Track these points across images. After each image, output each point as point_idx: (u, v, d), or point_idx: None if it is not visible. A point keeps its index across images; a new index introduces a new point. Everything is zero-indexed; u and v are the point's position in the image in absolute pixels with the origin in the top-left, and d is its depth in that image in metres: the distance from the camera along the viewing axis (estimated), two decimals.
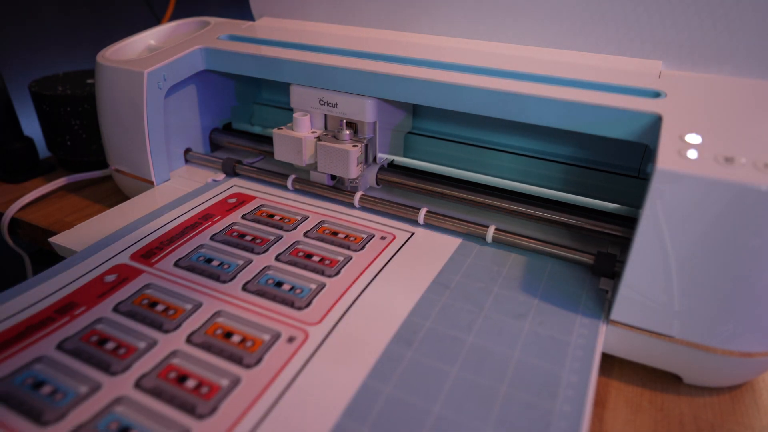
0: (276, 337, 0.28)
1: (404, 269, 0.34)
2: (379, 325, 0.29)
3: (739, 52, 0.35)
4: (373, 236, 0.37)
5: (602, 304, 0.31)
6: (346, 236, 0.37)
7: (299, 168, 0.47)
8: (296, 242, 0.36)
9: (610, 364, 0.32)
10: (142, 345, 0.27)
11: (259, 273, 0.33)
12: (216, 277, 0.33)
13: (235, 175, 0.46)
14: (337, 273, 0.33)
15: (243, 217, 0.40)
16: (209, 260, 0.34)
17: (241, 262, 0.34)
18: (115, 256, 0.35)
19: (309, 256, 0.35)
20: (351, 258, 0.35)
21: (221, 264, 0.34)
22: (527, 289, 0.33)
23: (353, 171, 0.40)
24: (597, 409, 0.29)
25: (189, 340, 0.28)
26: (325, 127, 0.42)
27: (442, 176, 0.44)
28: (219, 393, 0.25)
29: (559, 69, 0.37)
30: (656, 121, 0.30)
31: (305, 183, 0.43)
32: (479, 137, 0.45)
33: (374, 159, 0.43)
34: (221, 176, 0.46)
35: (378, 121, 0.41)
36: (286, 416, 0.24)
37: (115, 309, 0.30)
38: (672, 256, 0.27)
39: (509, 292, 0.32)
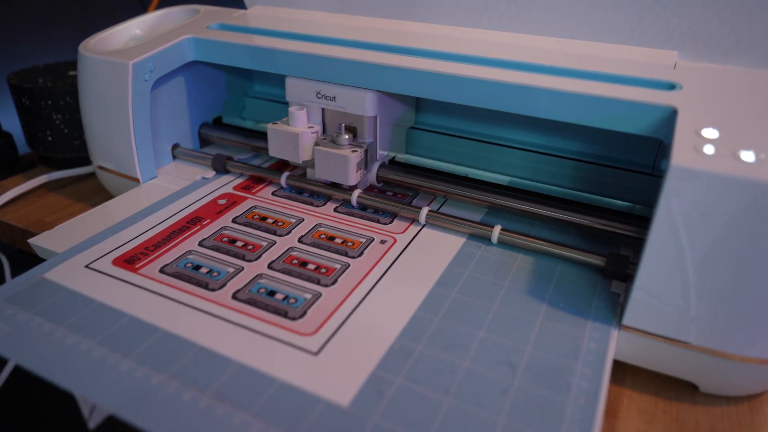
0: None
1: (403, 273, 0.34)
2: (370, 345, 0.29)
3: (759, 42, 0.35)
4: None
5: (614, 309, 0.31)
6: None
7: (293, 164, 0.47)
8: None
9: (623, 371, 0.32)
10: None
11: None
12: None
13: (226, 172, 0.46)
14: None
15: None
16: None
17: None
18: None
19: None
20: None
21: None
22: (535, 293, 0.33)
23: (352, 177, 0.40)
24: (608, 419, 0.29)
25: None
26: (323, 122, 0.42)
27: (445, 173, 0.44)
28: (335, 272, 0.33)
29: (569, 60, 0.37)
30: (671, 115, 0.30)
31: (300, 180, 0.43)
32: (485, 132, 0.45)
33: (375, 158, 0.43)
34: (211, 173, 0.46)
35: (379, 116, 0.41)
36: None
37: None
38: (688, 257, 0.27)
39: (515, 297, 0.32)
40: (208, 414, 0.25)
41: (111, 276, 0.33)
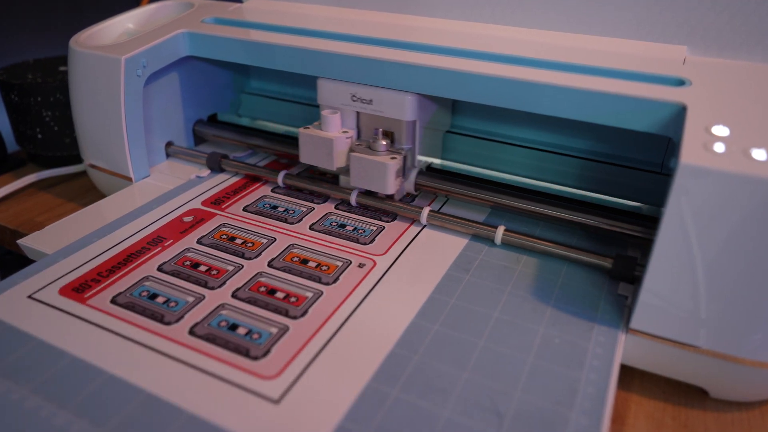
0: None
1: (402, 275, 0.34)
2: (339, 390, 0.26)
3: None
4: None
5: (621, 312, 0.31)
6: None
7: (290, 163, 0.47)
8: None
9: (630, 376, 0.32)
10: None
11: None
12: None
13: (221, 171, 0.46)
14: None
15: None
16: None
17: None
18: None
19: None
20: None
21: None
22: (539, 296, 0.33)
23: (391, 186, 0.39)
24: (615, 425, 0.29)
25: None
26: (357, 126, 0.41)
27: (446, 172, 0.44)
28: (306, 301, 0.31)
29: (574, 55, 0.37)
30: (680, 112, 0.30)
31: (298, 179, 0.43)
32: (487, 129, 0.45)
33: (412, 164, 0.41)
34: (206, 172, 0.46)
35: (418, 120, 0.39)
36: None
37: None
38: (698, 258, 0.27)
39: (520, 300, 0.32)
40: None
41: (56, 308, 0.31)
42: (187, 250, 0.36)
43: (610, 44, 0.39)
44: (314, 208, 0.41)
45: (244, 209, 0.41)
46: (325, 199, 0.43)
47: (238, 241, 0.37)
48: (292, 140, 0.48)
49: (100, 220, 0.39)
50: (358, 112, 0.41)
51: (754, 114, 0.29)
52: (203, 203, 0.39)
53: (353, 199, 0.41)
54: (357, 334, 0.30)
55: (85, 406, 0.25)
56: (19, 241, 0.38)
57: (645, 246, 0.35)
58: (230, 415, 0.25)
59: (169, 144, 0.49)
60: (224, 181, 0.45)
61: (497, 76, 0.34)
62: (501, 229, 0.37)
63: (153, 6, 0.51)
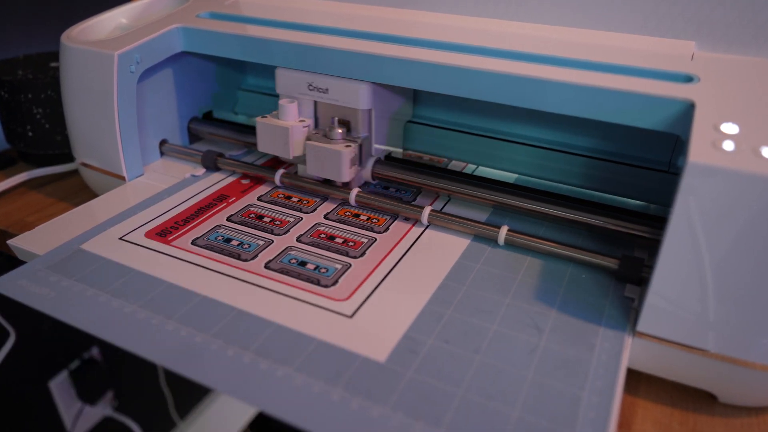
0: None
1: (403, 277, 0.34)
2: (396, 315, 0.31)
3: None
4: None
5: (628, 314, 0.31)
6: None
7: (284, 160, 0.47)
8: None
9: (637, 380, 0.32)
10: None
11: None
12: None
13: (217, 169, 0.46)
14: (362, 254, 0.36)
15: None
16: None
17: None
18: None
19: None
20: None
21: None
22: (544, 298, 0.33)
23: (346, 174, 0.40)
24: (622, 430, 0.29)
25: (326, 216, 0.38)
26: (315, 115, 0.43)
27: (448, 171, 0.44)
28: (363, 245, 0.37)
29: (580, 51, 0.37)
30: (688, 109, 0.30)
31: (296, 178, 0.43)
32: (490, 127, 0.45)
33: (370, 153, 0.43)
34: (201, 171, 0.46)
35: (374, 109, 0.41)
36: None
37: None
38: (706, 259, 0.27)
39: (523, 302, 0.32)
40: (252, 367, 0.27)
41: (145, 247, 0.36)
42: (250, 205, 0.41)
43: (615, 39, 0.39)
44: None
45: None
46: (320, 203, 0.43)
47: (294, 199, 0.43)
48: None
49: (92, 220, 0.39)
50: (315, 102, 0.42)
51: (764, 111, 0.29)
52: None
53: (353, 198, 0.41)
54: (384, 299, 0.33)
55: (187, 318, 0.31)
56: (9, 242, 0.38)
57: (652, 247, 0.35)
58: (313, 326, 0.30)
59: (163, 142, 0.49)
60: (220, 180, 0.45)
61: (504, 72, 0.34)
62: (504, 230, 0.37)
63: (147, 0, 0.51)
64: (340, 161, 0.40)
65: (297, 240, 0.37)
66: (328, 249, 0.37)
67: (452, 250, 0.37)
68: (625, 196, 0.40)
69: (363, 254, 0.36)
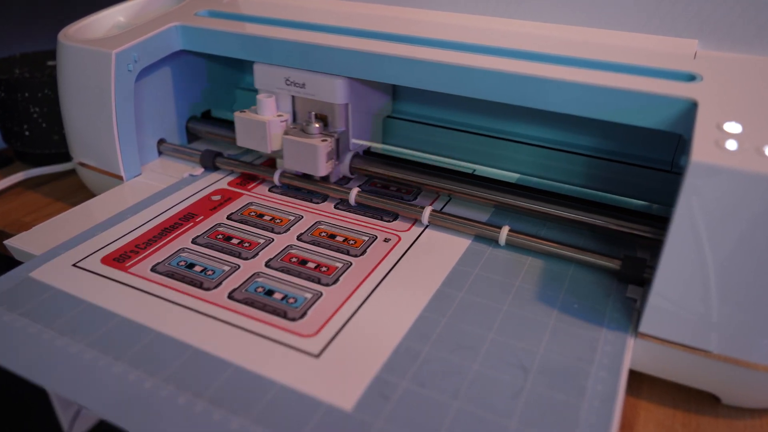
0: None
1: (403, 278, 0.34)
2: (368, 353, 0.29)
3: None
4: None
5: (630, 315, 0.31)
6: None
7: (262, 154, 0.48)
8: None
9: (639, 382, 0.32)
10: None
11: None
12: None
13: (215, 169, 0.46)
14: (336, 281, 0.34)
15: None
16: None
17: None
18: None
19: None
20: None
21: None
22: (545, 299, 0.33)
23: (322, 168, 0.41)
24: None
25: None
26: (293, 110, 0.43)
27: (449, 170, 0.44)
28: (337, 271, 0.34)
29: (581, 49, 0.37)
30: (691, 108, 0.30)
31: (295, 178, 0.43)
32: (492, 126, 0.45)
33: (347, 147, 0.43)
34: (199, 170, 0.46)
35: (351, 104, 0.42)
36: None
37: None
38: (709, 259, 0.27)
39: (524, 302, 0.32)
40: (204, 418, 0.25)
41: (100, 275, 0.34)
42: (219, 225, 0.39)
43: (618, 38, 0.39)
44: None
45: (270, 190, 0.41)
46: (324, 198, 0.43)
47: (266, 217, 0.41)
48: None
49: (90, 220, 0.39)
50: (293, 96, 0.42)
51: (767, 110, 0.29)
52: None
53: (352, 198, 0.41)
54: (387, 301, 0.32)
55: (138, 358, 0.28)
56: (6, 242, 0.38)
57: (654, 247, 0.35)
58: (275, 368, 0.28)
59: (161, 141, 0.49)
60: (219, 180, 0.45)
61: (505, 71, 0.34)
62: (505, 230, 0.37)
63: None
64: (317, 155, 0.40)
65: (266, 265, 0.35)
66: (299, 275, 0.34)
67: (453, 250, 0.37)
68: (627, 196, 0.40)
69: (336, 281, 0.34)
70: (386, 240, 0.37)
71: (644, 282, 0.33)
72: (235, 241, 0.37)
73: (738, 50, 0.37)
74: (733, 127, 0.28)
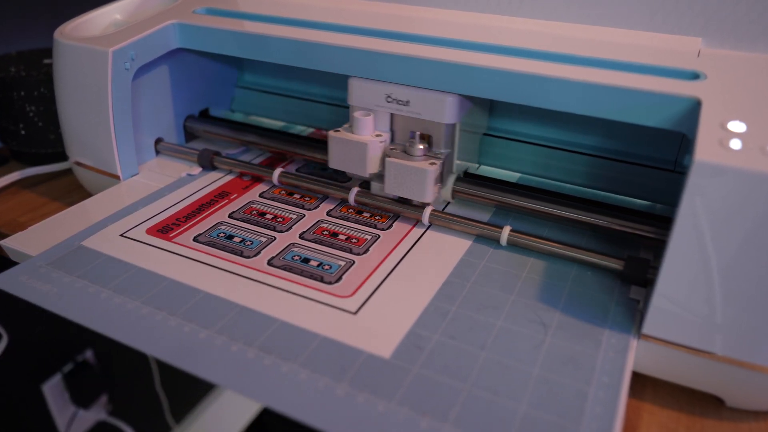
0: None
1: (403, 279, 0.34)
2: (376, 341, 0.30)
3: None
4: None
5: (633, 316, 0.31)
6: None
7: (363, 178, 0.44)
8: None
9: (642, 384, 0.32)
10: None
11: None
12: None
13: (213, 168, 0.46)
14: (366, 251, 0.37)
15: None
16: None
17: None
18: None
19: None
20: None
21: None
22: (547, 300, 0.33)
23: (430, 193, 0.38)
24: None
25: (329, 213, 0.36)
26: (391, 130, 0.40)
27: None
28: (366, 242, 0.36)
29: (585, 47, 0.37)
30: (695, 107, 0.30)
31: (294, 178, 0.43)
32: (493, 125, 0.45)
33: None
34: (197, 170, 0.46)
35: (458, 123, 0.39)
36: None
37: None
38: (713, 260, 0.27)
39: (526, 304, 0.32)
40: (256, 363, 0.28)
41: (147, 244, 0.37)
42: (252, 202, 0.42)
43: (620, 36, 0.39)
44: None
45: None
46: (322, 199, 0.43)
47: (296, 195, 0.43)
48: (288, 137, 0.48)
49: (86, 220, 0.39)
50: (392, 114, 0.40)
51: None
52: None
53: (352, 198, 0.41)
54: (383, 301, 0.33)
55: (191, 314, 0.31)
56: (1, 242, 0.38)
57: (658, 247, 0.35)
58: (316, 323, 0.31)
59: (158, 140, 0.49)
60: (217, 179, 0.45)
61: (505, 69, 0.34)
62: (507, 230, 0.37)
63: None
64: (425, 180, 0.37)
65: (300, 237, 0.38)
66: (331, 246, 0.37)
67: (454, 251, 0.37)
68: (630, 196, 0.40)
69: (366, 251, 0.37)
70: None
71: (647, 283, 0.33)
72: (269, 216, 0.40)
73: (742, 48, 0.37)
74: (737, 126, 0.28)
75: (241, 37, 0.42)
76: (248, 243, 0.37)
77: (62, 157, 0.56)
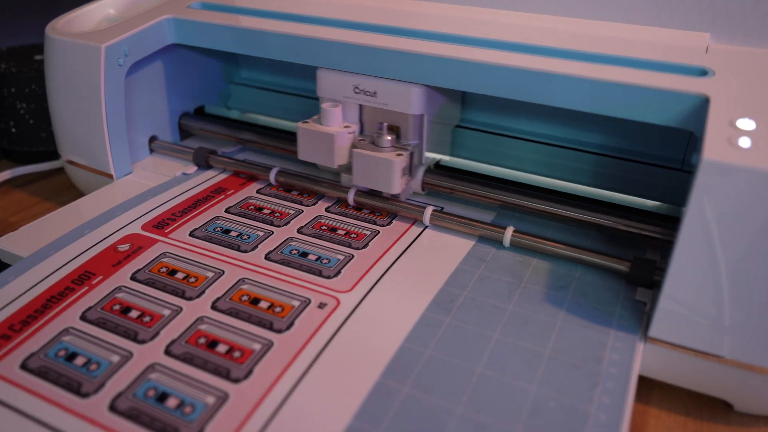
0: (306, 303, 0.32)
1: (403, 280, 0.34)
2: (364, 362, 0.28)
3: None
4: (396, 215, 0.41)
5: (639, 319, 0.31)
6: (372, 211, 0.41)
7: (322, 168, 0.45)
8: (318, 216, 0.40)
9: (649, 388, 0.32)
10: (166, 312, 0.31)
11: (281, 244, 0.37)
12: (236, 247, 0.37)
13: (209, 167, 0.46)
14: (365, 246, 0.37)
15: (258, 191, 0.44)
16: (227, 231, 0.38)
17: (261, 234, 0.38)
18: (127, 225, 0.39)
19: (333, 229, 0.39)
20: (378, 232, 0.38)
21: (240, 234, 0.38)
22: (551, 301, 0.33)
23: (397, 185, 0.38)
24: None
25: (214, 306, 0.32)
26: (360, 121, 0.41)
27: (451, 169, 0.44)
28: (252, 357, 0.29)
29: (590, 43, 0.37)
30: (703, 104, 0.30)
31: (292, 177, 0.43)
32: (495, 123, 0.45)
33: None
34: (192, 169, 0.46)
35: (426, 114, 0.39)
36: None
37: (133, 278, 0.34)
38: (721, 261, 0.27)
39: (529, 305, 0.32)
40: None
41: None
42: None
43: (626, 31, 0.39)
44: (303, 211, 0.41)
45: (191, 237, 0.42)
46: (321, 195, 0.43)
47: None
48: (285, 134, 0.48)
49: (78, 220, 0.39)
50: (361, 105, 0.41)
51: None
52: (143, 227, 0.39)
53: (351, 198, 0.41)
54: (383, 302, 0.33)
55: None
56: None
57: (665, 248, 0.35)
58: None
59: (152, 139, 0.49)
60: (212, 178, 0.45)
61: (509, 65, 0.34)
62: (510, 230, 0.37)
63: None
64: (392, 171, 0.38)
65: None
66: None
67: (455, 251, 0.37)
68: (636, 195, 0.40)
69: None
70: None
71: (654, 284, 0.33)
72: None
73: (751, 44, 0.37)
74: (746, 123, 0.28)
75: (237, 32, 0.42)
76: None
77: (54, 155, 0.56)
